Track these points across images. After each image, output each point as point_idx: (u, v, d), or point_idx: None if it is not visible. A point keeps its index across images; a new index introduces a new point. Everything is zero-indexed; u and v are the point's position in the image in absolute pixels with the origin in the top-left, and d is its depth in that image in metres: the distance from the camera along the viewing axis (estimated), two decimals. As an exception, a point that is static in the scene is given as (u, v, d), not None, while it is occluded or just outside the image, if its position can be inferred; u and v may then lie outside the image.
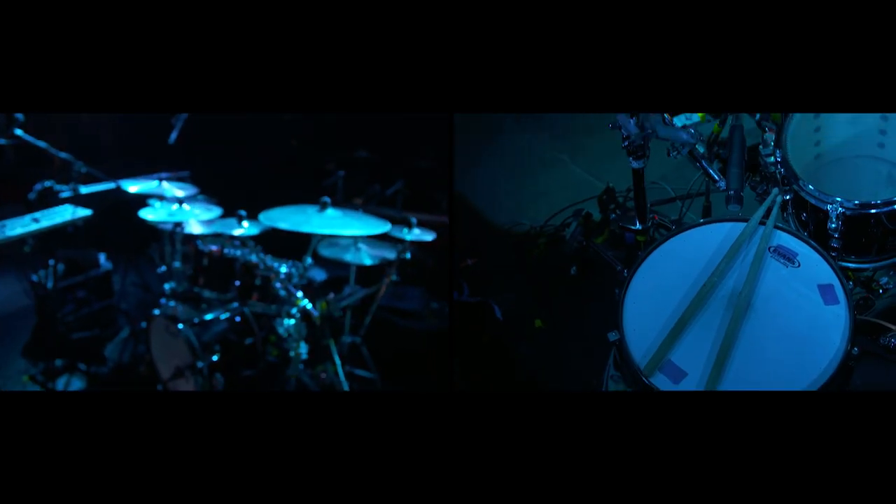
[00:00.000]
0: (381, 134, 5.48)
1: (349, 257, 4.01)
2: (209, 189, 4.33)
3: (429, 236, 3.90)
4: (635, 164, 2.32)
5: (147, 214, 3.73)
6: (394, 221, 3.57)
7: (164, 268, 4.21)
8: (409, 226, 3.77)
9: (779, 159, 2.27)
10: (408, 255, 3.86)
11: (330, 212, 3.45)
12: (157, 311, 3.81)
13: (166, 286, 4.09)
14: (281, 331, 3.50)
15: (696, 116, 2.73)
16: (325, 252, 4.04)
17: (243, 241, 3.72)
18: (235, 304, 3.74)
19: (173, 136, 4.75)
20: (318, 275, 4.12)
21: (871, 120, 2.35)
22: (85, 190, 3.76)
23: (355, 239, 4.01)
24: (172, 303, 3.98)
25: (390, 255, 4.01)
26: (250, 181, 5.19)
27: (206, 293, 3.99)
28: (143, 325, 3.97)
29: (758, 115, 2.64)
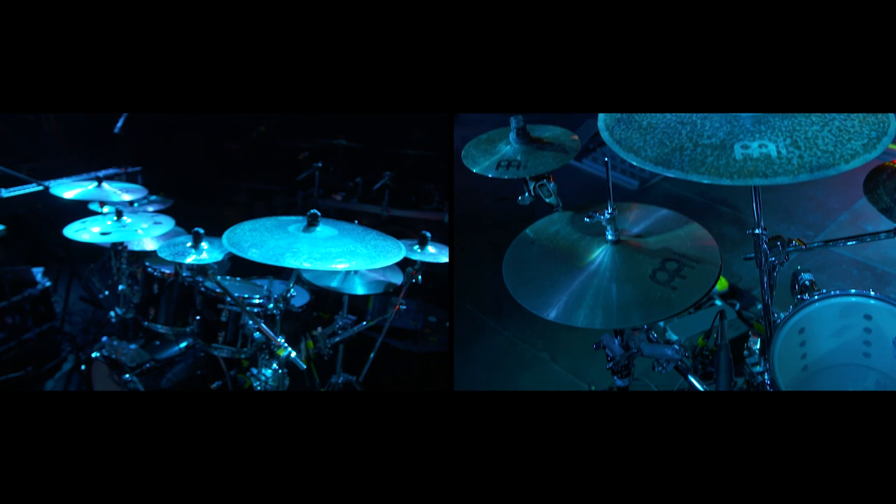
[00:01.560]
0: (362, 118, 4.79)
1: (336, 284, 3.18)
2: (163, 188, 3.57)
3: (444, 255, 3.06)
4: (620, 383, 2.23)
5: (75, 231, 2.90)
6: (400, 234, 2.73)
7: (106, 293, 3.43)
8: (424, 242, 2.92)
9: (767, 381, 2.22)
10: (419, 279, 3.05)
11: (320, 230, 2.45)
12: (96, 354, 3.04)
13: (111, 313, 3.27)
14: (256, 384, 2.59)
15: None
16: (306, 275, 3.21)
17: (201, 268, 2.60)
18: (196, 344, 2.93)
19: (119, 124, 3.97)
20: (298, 298, 3.16)
21: (856, 331, 2.26)
22: (6, 193, 3.23)
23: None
24: (116, 341, 3.17)
25: (396, 279, 3.17)
26: (207, 179, 4.46)
27: (159, 327, 3.18)
28: (89, 356, 3.14)
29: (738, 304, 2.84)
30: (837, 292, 2.06)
